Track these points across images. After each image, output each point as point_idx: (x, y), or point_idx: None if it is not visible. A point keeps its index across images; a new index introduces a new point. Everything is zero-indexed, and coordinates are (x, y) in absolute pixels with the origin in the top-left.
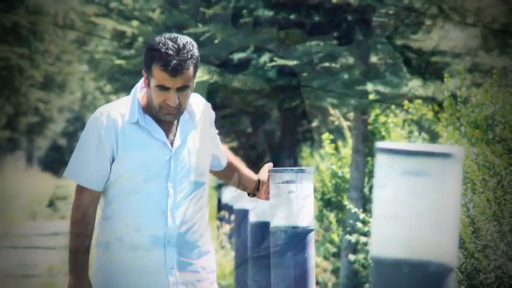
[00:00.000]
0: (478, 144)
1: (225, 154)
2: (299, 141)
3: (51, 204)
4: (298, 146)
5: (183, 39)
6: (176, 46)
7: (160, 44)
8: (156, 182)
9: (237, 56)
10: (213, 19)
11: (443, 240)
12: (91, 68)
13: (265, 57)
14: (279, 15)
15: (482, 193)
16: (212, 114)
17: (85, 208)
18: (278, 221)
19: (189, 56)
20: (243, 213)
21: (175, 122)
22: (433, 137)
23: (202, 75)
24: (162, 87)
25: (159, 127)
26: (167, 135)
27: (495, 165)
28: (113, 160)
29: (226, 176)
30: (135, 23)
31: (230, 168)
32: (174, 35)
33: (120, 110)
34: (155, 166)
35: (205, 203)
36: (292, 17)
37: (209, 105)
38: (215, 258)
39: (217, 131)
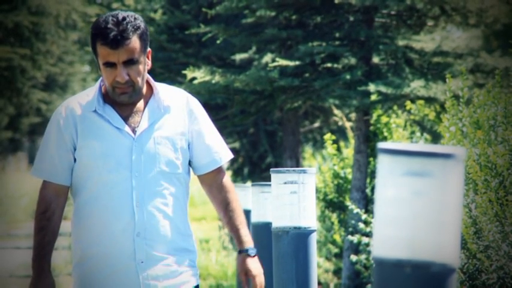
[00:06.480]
0: (480, 144)
1: (205, 161)
2: (301, 141)
3: None
4: (300, 146)
5: (125, 13)
6: (115, 19)
7: (101, 21)
8: (119, 171)
9: (239, 57)
10: (215, 19)
11: (445, 241)
12: (93, 69)
13: (267, 58)
14: (281, 15)
15: (484, 194)
16: (196, 109)
17: (47, 202)
18: (280, 221)
19: (129, 26)
20: (245, 214)
21: (142, 110)
22: (435, 138)
23: (204, 75)
24: (108, 64)
25: (119, 115)
26: (130, 124)
27: (497, 166)
28: (75, 150)
29: (207, 192)
30: None
31: (208, 187)
32: (117, 11)
33: (80, 100)
34: (116, 155)
35: (181, 196)
36: (294, 17)
37: (194, 100)
38: (196, 255)
39: (208, 132)
